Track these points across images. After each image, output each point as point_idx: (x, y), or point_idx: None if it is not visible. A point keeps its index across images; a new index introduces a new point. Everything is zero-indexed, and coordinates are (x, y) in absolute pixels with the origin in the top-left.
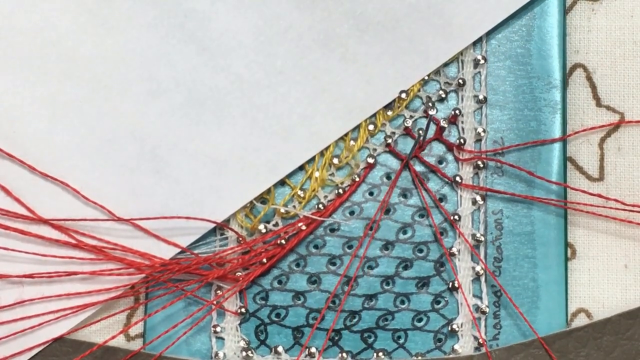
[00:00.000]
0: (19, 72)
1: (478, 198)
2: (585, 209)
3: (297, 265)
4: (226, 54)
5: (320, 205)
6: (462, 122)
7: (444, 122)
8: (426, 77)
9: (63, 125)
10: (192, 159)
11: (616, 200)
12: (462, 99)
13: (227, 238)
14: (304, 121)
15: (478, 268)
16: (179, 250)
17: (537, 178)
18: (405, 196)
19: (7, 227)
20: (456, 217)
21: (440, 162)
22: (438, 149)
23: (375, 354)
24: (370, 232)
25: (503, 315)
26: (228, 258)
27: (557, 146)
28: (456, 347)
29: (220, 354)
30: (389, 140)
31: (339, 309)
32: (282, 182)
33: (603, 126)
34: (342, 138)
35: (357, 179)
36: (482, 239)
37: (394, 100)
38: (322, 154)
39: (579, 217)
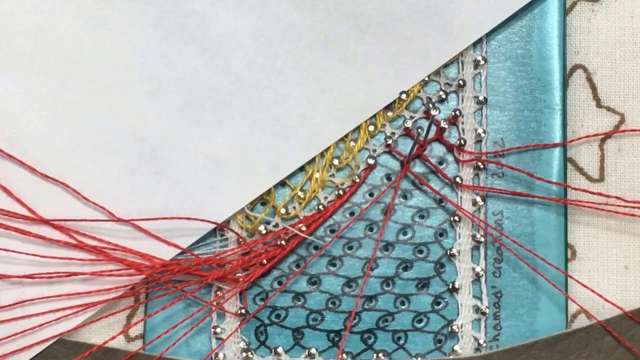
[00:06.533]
0: (19, 72)
1: (478, 199)
2: (586, 210)
3: (297, 266)
4: (226, 54)
5: (321, 206)
6: (463, 123)
7: (445, 123)
8: (426, 78)
9: (63, 125)
10: (192, 159)
11: (617, 197)
12: (463, 100)
13: (227, 239)
14: (304, 122)
15: (478, 269)
16: (179, 251)
17: (537, 179)
18: (405, 197)
19: (7, 227)
20: (456, 218)
21: (440, 163)
22: (438, 149)
23: (375, 355)
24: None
25: (503, 316)
26: (228, 259)
27: (557, 147)
28: (456, 348)
29: (220, 355)
30: (389, 141)
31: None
32: (282, 183)
33: (605, 133)
34: (342, 139)
35: (358, 180)
36: (482, 240)
37: (394, 101)
38: (322, 154)
39: (579, 218)
